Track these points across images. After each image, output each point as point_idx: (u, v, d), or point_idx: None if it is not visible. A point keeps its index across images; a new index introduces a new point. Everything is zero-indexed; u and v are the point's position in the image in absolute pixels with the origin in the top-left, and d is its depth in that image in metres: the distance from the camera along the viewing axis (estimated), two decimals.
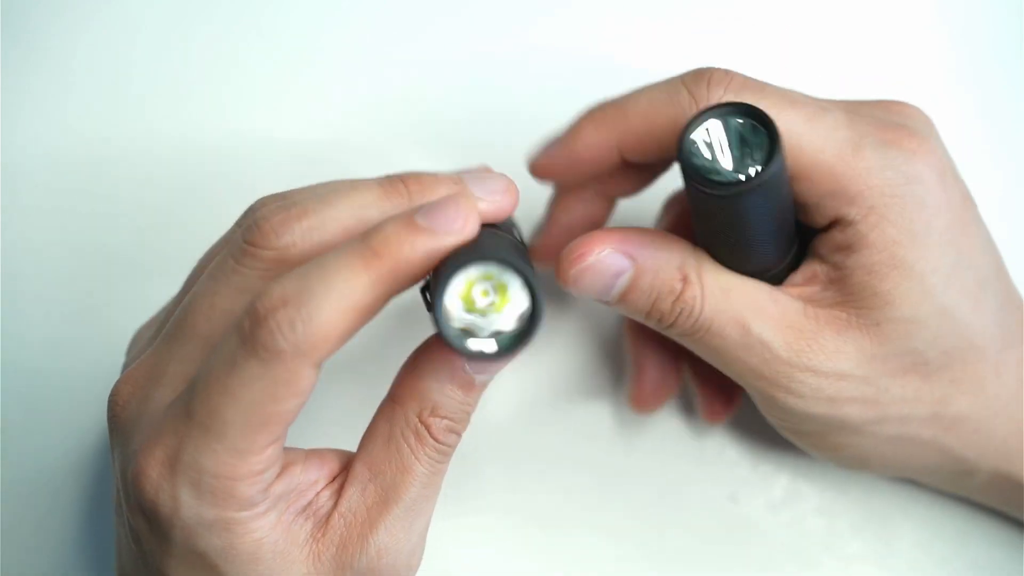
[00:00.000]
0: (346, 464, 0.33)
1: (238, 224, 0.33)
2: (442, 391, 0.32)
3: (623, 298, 0.36)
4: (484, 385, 0.33)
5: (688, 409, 0.46)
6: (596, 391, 0.47)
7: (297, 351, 0.28)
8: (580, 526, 0.46)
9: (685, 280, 0.35)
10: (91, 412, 0.45)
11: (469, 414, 0.33)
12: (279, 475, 0.31)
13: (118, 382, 0.34)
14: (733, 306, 0.35)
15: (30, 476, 0.46)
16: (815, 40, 0.50)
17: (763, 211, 0.34)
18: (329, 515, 0.32)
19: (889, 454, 0.38)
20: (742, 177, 0.32)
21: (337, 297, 0.29)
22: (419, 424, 0.32)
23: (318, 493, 0.33)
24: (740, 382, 0.37)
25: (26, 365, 0.47)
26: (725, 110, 0.33)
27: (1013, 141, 0.49)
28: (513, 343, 0.29)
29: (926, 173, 0.35)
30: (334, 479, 0.33)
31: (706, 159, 0.33)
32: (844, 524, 0.45)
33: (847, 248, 0.35)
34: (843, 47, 0.50)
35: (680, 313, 0.35)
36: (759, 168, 0.32)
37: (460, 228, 0.30)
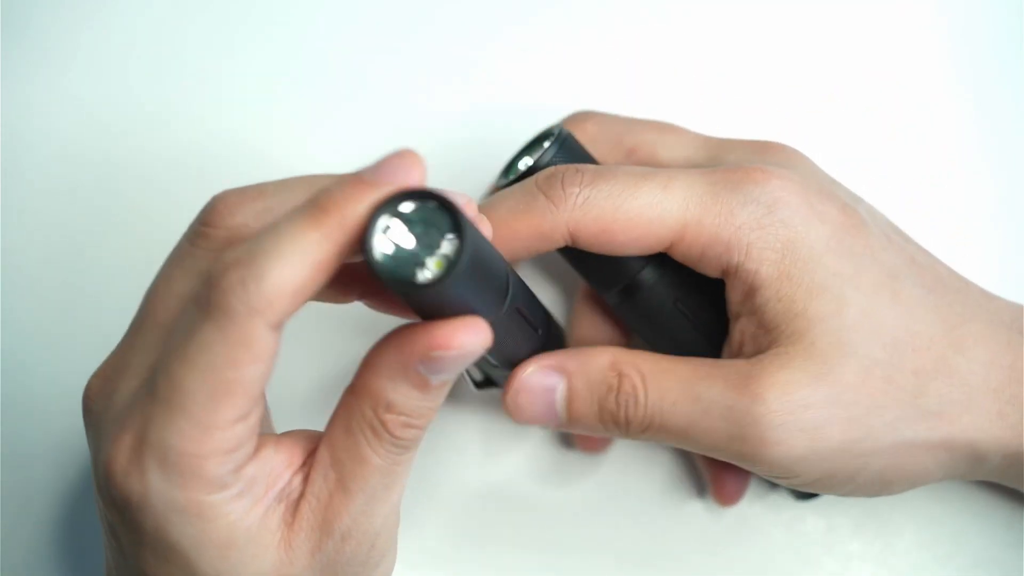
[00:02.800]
0: (314, 445, 0.33)
1: (197, 215, 0.33)
2: (396, 390, 0.31)
3: (570, 412, 0.36)
4: (443, 385, 0.32)
5: None
6: None
7: (251, 309, 0.28)
8: (578, 522, 0.46)
9: (620, 374, 0.36)
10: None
11: (431, 410, 0.32)
12: (252, 458, 0.31)
13: (89, 380, 0.34)
14: (677, 382, 0.36)
15: (23, 477, 0.46)
16: (815, 40, 0.50)
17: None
18: (299, 501, 0.32)
19: (905, 465, 0.37)
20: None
21: (287, 254, 0.28)
22: (375, 420, 0.31)
23: (292, 475, 0.32)
24: (725, 457, 0.36)
25: (20, 367, 0.47)
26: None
27: (1012, 141, 0.49)
28: (442, 272, 0.28)
29: (784, 196, 0.36)
30: (306, 459, 0.33)
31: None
32: (844, 524, 0.45)
33: (750, 291, 0.36)
34: (843, 47, 0.50)
35: (627, 406, 0.36)
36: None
37: (403, 178, 0.29)
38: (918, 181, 0.48)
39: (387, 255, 0.28)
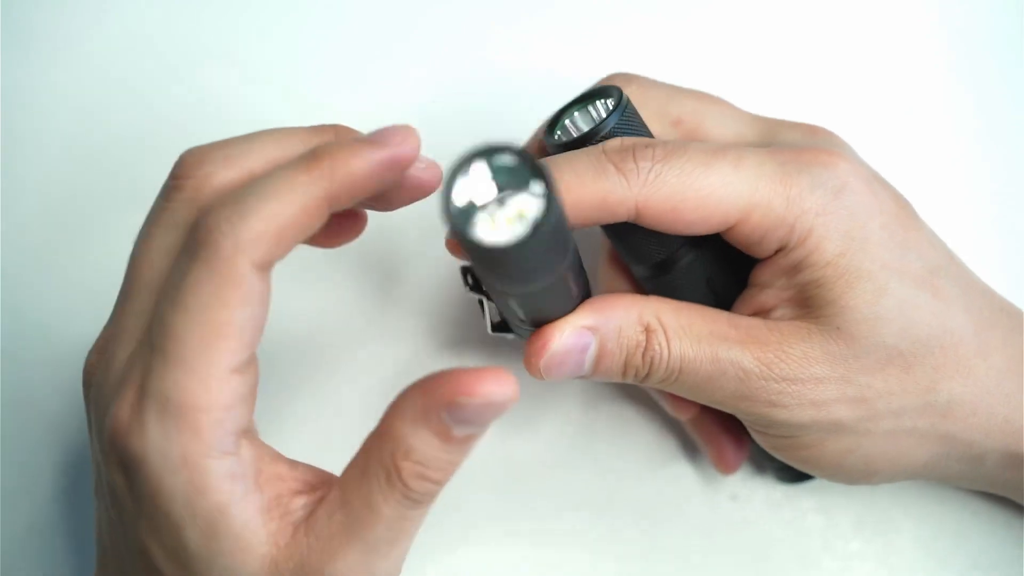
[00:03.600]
0: (327, 481, 0.32)
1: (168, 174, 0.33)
2: (417, 435, 0.30)
3: (597, 368, 0.36)
4: (465, 440, 0.31)
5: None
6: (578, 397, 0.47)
7: (236, 245, 0.29)
8: (579, 524, 0.46)
9: (648, 329, 0.36)
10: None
11: (449, 465, 0.31)
12: (249, 444, 0.31)
13: (87, 355, 0.34)
14: (697, 340, 0.36)
15: (19, 460, 0.46)
16: (815, 41, 0.50)
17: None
18: (297, 527, 0.31)
19: (893, 452, 0.38)
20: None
21: (273, 194, 0.30)
22: (391, 465, 0.31)
23: (293, 494, 0.32)
24: (728, 409, 0.37)
25: (20, 349, 0.47)
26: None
27: (1012, 141, 0.49)
28: (522, 235, 0.27)
29: (851, 181, 0.36)
30: (312, 490, 0.32)
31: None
32: (844, 522, 0.45)
33: (792, 270, 0.36)
34: (843, 47, 0.50)
35: (652, 362, 0.36)
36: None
37: (400, 141, 0.31)
38: (918, 181, 0.48)
39: (460, 208, 0.28)
